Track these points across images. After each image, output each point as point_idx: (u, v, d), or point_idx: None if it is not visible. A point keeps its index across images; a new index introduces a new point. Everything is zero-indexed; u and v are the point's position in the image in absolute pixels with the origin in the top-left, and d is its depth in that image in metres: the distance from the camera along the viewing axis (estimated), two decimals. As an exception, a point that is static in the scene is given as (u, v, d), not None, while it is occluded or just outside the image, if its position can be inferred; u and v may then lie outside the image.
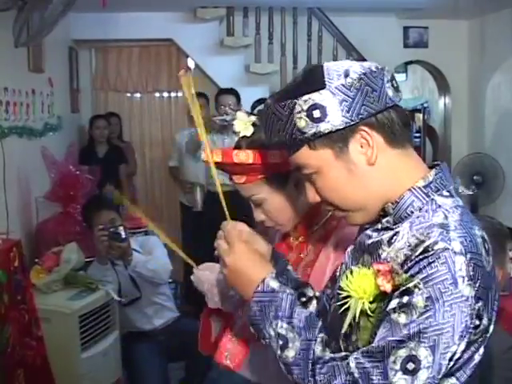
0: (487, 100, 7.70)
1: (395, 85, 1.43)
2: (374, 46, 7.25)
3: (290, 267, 1.75)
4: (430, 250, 1.28)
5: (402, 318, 1.27)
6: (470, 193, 7.00)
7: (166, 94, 8.37)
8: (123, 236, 4.06)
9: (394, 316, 1.28)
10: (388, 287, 1.31)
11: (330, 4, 7.04)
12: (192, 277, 2.08)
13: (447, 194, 1.41)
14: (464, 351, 1.29)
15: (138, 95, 8.37)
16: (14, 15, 3.93)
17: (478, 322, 1.28)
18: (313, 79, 1.39)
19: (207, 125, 6.22)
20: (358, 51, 7.32)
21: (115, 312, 4.05)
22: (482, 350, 1.35)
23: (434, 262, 1.26)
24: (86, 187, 5.61)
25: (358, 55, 7.27)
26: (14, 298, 1.99)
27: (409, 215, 1.39)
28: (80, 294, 3.85)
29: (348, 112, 1.34)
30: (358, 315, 1.35)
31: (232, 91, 6.23)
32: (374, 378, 1.27)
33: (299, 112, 1.35)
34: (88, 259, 4.28)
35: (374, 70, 1.38)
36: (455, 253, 1.26)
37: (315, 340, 1.42)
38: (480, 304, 1.27)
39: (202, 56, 7.38)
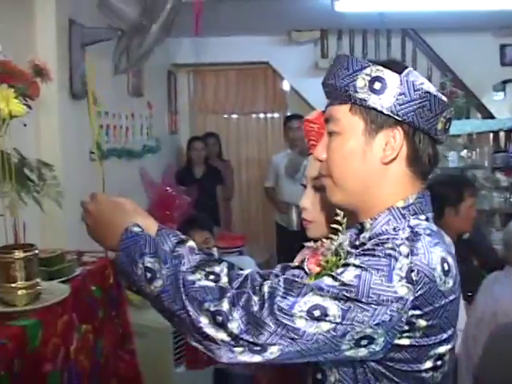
0: None
1: (447, 126, 1.48)
2: (470, 65, 7.16)
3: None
4: (379, 245, 1.34)
5: (329, 279, 1.32)
6: None
7: (262, 116, 8.51)
8: (216, 257, 4.13)
9: (325, 277, 1.34)
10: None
11: (424, 25, 7.02)
12: None
13: (423, 217, 1.45)
14: (394, 351, 1.33)
15: (234, 117, 8.54)
16: (113, 44, 4.13)
17: (406, 328, 1.31)
18: (397, 63, 1.47)
19: (304, 147, 6.33)
20: (452, 71, 7.27)
21: (208, 329, 4.14)
22: (428, 364, 1.37)
23: (378, 256, 1.31)
24: (182, 208, 5.75)
25: (452, 75, 7.22)
26: (108, 313, 2.11)
27: (383, 233, 1.42)
28: (174, 311, 3.95)
29: (399, 105, 1.39)
30: None
31: (298, 117, 6.52)
32: (280, 302, 1.31)
33: (366, 74, 1.41)
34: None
35: (442, 99, 1.44)
36: (400, 253, 1.31)
37: (182, 264, 1.44)
38: (416, 313, 1.30)
39: (297, 78, 7.51)
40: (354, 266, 1.31)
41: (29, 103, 2.03)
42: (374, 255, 1.31)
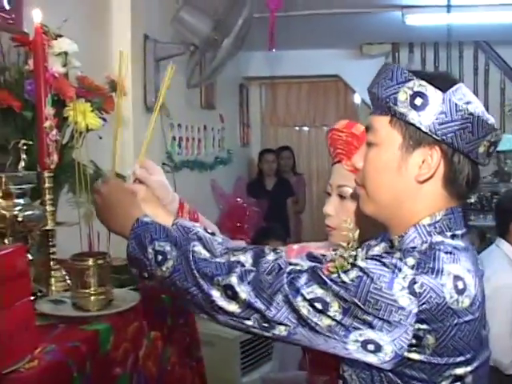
0: None
1: (490, 151, 1.40)
2: (545, 78, 7.02)
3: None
4: (389, 253, 1.34)
5: (335, 275, 1.30)
6: None
7: (333, 128, 8.50)
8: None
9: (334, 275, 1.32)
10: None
11: (496, 37, 6.90)
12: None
13: (449, 234, 1.39)
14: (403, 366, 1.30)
15: (305, 129, 8.58)
16: (186, 58, 4.22)
17: (414, 341, 1.27)
18: (445, 79, 1.41)
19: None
20: (526, 84, 7.14)
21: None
22: None
23: (383, 263, 1.29)
24: (252, 219, 5.81)
25: (526, 88, 7.11)
26: (176, 322, 2.15)
27: (410, 251, 1.35)
28: (242, 321, 4.00)
29: (439, 125, 1.34)
30: None
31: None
32: (290, 283, 1.32)
33: (409, 88, 1.35)
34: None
35: (488, 122, 1.37)
36: (406, 264, 1.28)
37: (192, 245, 1.44)
38: (423, 327, 1.26)
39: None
40: (360, 268, 1.29)
41: (104, 116, 2.12)
42: (379, 261, 1.30)
